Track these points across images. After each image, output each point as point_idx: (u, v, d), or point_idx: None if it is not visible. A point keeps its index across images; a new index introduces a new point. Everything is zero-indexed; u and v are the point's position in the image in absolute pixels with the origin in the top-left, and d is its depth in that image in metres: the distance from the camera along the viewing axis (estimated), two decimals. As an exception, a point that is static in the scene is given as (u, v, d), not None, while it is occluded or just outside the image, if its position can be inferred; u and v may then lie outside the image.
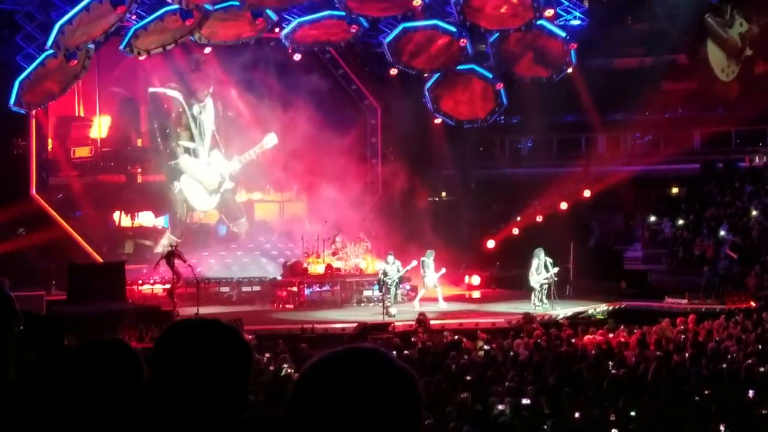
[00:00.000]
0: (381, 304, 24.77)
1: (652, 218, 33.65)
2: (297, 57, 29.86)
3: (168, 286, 24.99)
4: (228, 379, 2.81)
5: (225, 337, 2.87)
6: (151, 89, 30.64)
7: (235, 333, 2.91)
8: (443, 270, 26.44)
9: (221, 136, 31.47)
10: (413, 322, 22.15)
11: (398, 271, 25.42)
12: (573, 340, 19.12)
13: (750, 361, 15.04)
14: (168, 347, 2.87)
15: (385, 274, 25.19)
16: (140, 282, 27.70)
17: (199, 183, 31.20)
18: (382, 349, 2.39)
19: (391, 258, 25.62)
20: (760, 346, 16.99)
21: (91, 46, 25.03)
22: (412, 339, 20.31)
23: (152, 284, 27.67)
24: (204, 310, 22.75)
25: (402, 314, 24.49)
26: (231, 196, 31.89)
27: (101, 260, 28.09)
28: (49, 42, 23.79)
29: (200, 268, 27.07)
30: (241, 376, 2.84)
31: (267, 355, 16.60)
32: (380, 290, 25.50)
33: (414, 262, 26.07)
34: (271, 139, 30.92)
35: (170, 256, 23.98)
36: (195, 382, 2.78)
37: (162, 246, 29.25)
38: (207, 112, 31.28)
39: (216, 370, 2.79)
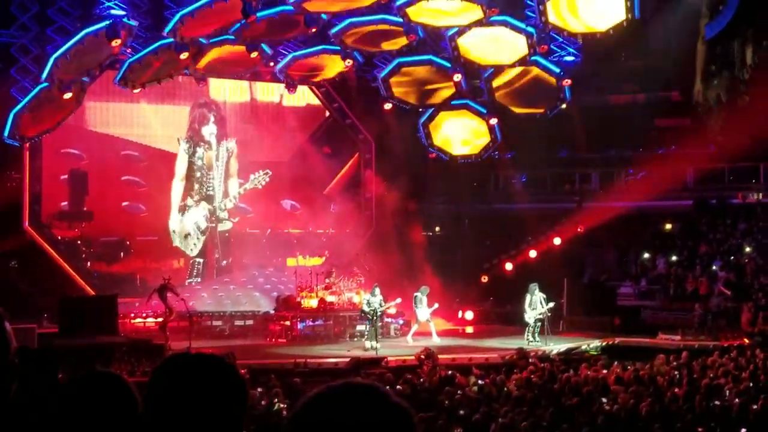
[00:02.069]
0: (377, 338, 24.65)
1: (646, 255, 33.66)
2: (291, 91, 30.01)
3: (160, 319, 24.87)
4: (223, 415, 2.78)
5: (221, 373, 2.84)
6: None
7: (231, 369, 2.88)
8: (436, 305, 26.41)
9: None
10: (422, 356, 21.91)
11: (380, 305, 25.31)
12: (567, 376, 19.04)
13: (743, 398, 15.00)
14: (164, 380, 2.84)
15: (368, 304, 25.13)
16: (132, 315, 27.56)
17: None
18: (377, 384, 2.37)
19: (377, 290, 25.58)
20: (752, 384, 16.94)
21: (86, 78, 25.11)
22: (419, 371, 20.22)
23: (144, 317, 27.53)
24: (196, 344, 22.60)
25: (396, 349, 24.43)
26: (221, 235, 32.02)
27: (93, 293, 27.99)
28: (44, 75, 23.88)
29: (193, 301, 26.97)
30: (235, 413, 2.81)
31: (259, 389, 16.50)
32: (361, 319, 25.56)
33: (398, 299, 26.03)
34: (259, 178, 30.95)
35: (163, 289, 23.87)
36: (190, 417, 2.75)
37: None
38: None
39: (211, 406, 2.76)
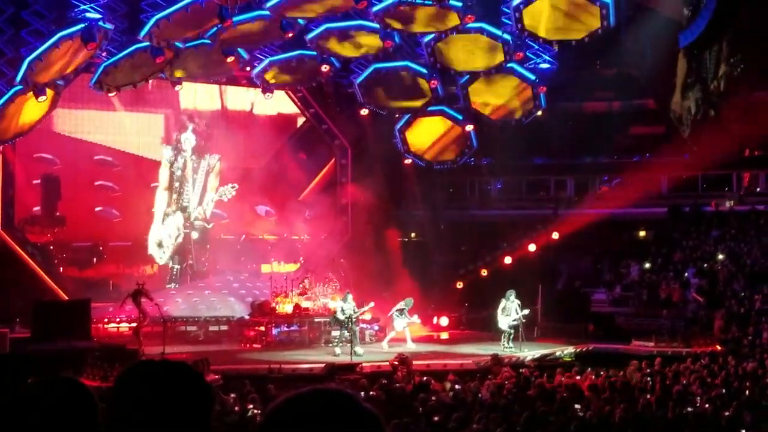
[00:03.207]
0: (350, 345, 24.56)
1: (620, 262, 33.83)
2: (268, 96, 29.95)
3: (134, 324, 24.71)
4: (187, 422, 2.76)
5: (186, 380, 2.82)
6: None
7: (196, 376, 2.86)
8: (416, 318, 26.46)
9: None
10: (395, 362, 21.90)
11: (354, 311, 25.17)
12: (540, 382, 19.10)
13: (715, 404, 15.10)
14: (127, 387, 2.81)
15: (342, 312, 24.98)
16: (106, 320, 27.40)
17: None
18: (347, 389, 2.37)
19: (349, 297, 25.46)
20: (724, 390, 17.06)
21: (61, 82, 24.94)
22: (394, 377, 20.21)
23: (118, 323, 27.38)
24: (170, 350, 22.51)
25: (371, 355, 24.37)
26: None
27: (66, 298, 27.80)
28: (18, 78, 23.67)
29: (167, 306, 26.83)
30: (200, 420, 2.79)
31: (232, 395, 16.44)
32: (334, 326, 25.40)
33: (371, 303, 25.94)
34: (227, 191, 31.02)
35: (137, 294, 23.73)
36: (153, 423, 2.73)
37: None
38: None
39: (175, 413, 2.74)
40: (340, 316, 24.93)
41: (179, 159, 31.52)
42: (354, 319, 25.08)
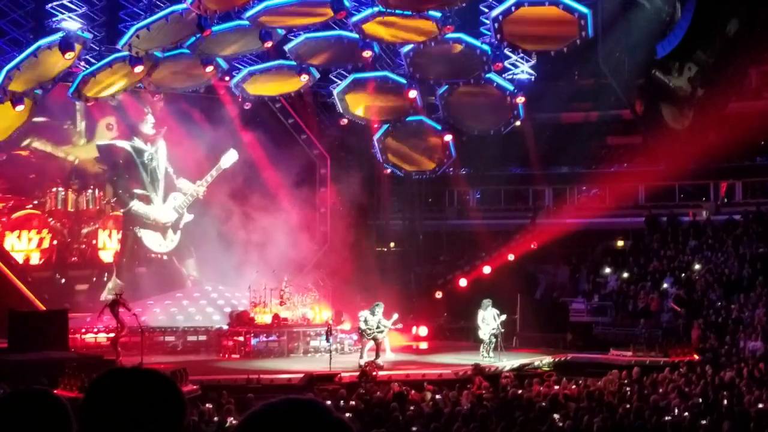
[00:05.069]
0: (329, 354, 24.42)
1: (598, 271, 33.93)
2: (247, 105, 29.90)
3: (112, 335, 24.59)
4: (158, 429, 2.75)
5: (156, 387, 2.81)
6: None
7: (167, 382, 2.85)
8: (395, 315, 26.33)
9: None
10: (360, 376, 21.93)
11: (378, 323, 24.89)
12: (519, 392, 19.14)
13: (692, 414, 15.18)
14: (98, 396, 2.81)
15: (365, 322, 24.70)
16: (83, 330, 27.25)
17: (155, 226, 31.39)
18: (318, 400, 2.38)
19: (375, 308, 25.06)
20: (701, 400, 17.14)
21: (39, 91, 24.84)
22: (360, 390, 20.18)
23: (95, 333, 27.23)
24: (148, 360, 22.42)
25: (350, 365, 24.28)
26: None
27: (43, 308, 27.62)
28: (-4, 87, 23.59)
29: (145, 316, 26.72)
30: (172, 428, 2.78)
31: (208, 405, 16.38)
32: (360, 336, 25.01)
33: (395, 315, 25.79)
34: (230, 157, 31.12)
35: (114, 304, 23.61)
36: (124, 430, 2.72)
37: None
38: (159, 157, 31.52)
39: (145, 420, 2.73)
40: (362, 326, 24.63)
41: (153, 159, 31.53)
42: (376, 332, 24.75)
